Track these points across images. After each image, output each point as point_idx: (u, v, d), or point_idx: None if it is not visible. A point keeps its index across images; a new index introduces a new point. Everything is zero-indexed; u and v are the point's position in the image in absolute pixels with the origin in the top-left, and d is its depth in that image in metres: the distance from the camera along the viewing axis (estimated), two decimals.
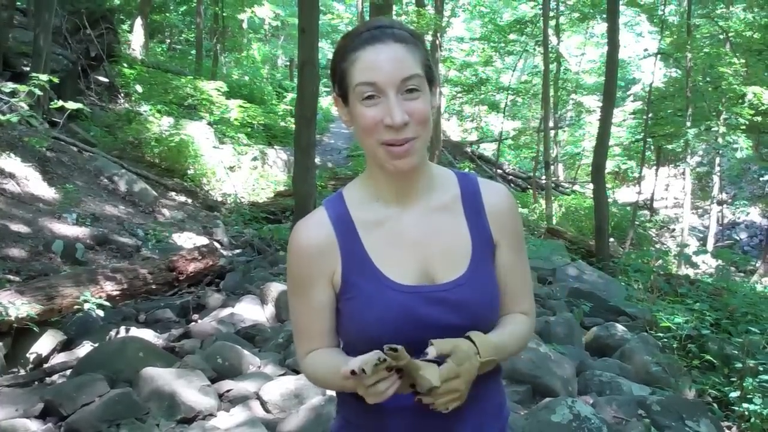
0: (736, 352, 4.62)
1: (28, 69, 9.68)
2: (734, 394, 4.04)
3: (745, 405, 3.86)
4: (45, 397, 3.45)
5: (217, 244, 7.70)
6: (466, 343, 1.17)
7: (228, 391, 3.62)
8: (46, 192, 7.85)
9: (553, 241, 10.21)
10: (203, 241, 7.78)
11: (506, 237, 1.33)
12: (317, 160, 11.31)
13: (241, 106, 13.66)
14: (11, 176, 7.59)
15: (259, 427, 3.16)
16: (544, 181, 16.55)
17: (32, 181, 7.84)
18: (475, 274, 1.27)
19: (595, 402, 3.62)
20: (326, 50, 27.35)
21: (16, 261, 5.95)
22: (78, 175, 8.97)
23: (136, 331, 4.65)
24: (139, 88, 13.08)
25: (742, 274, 13.83)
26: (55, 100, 7.82)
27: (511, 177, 20.62)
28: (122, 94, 13.38)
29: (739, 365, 4.36)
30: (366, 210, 1.30)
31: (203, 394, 3.45)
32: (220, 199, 11.75)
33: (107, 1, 15.09)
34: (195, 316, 5.38)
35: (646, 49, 20.90)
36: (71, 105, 7.71)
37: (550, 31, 17.06)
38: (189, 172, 11.75)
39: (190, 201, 10.64)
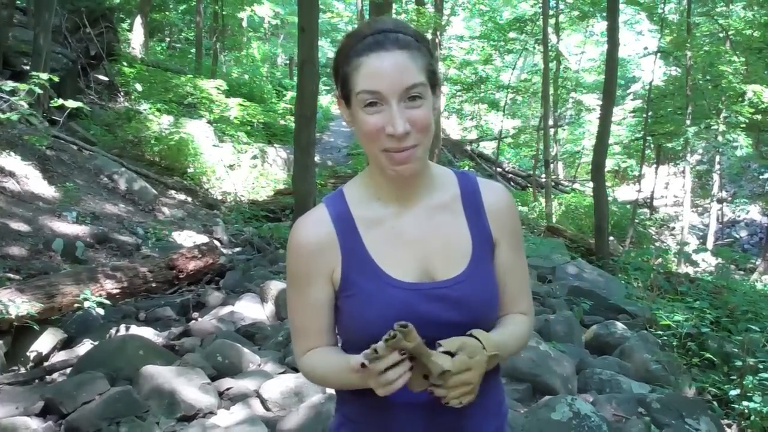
0: (736, 350, 4.63)
1: (28, 68, 9.68)
2: (734, 392, 4.05)
3: (744, 403, 3.86)
4: (45, 396, 3.45)
5: (216, 243, 7.69)
6: (472, 339, 1.18)
7: (228, 389, 3.62)
8: (46, 190, 7.85)
9: (552, 240, 10.22)
10: (203, 239, 7.78)
11: (505, 236, 1.34)
12: (317, 158, 11.33)
13: (240, 105, 13.66)
14: (11, 175, 7.59)
15: (259, 425, 3.17)
16: (543, 180, 16.55)
17: (32, 180, 7.84)
18: (475, 271, 1.28)
19: (595, 400, 3.62)
20: (326, 49, 27.35)
21: (16, 259, 5.95)
22: (78, 173, 8.97)
23: (136, 330, 4.65)
24: (138, 87, 13.07)
25: (742, 272, 13.84)
26: (55, 99, 7.81)
27: (510, 175, 20.62)
28: (122, 93, 13.38)
29: (738, 363, 4.37)
30: (366, 208, 1.30)
31: (203, 392, 3.46)
32: (219, 197, 11.75)
33: None
34: (195, 315, 5.38)
35: (646, 48, 20.91)
36: (71, 103, 7.71)
37: (550, 30, 17.06)
38: (189, 170, 11.75)
39: (189, 199, 10.64)
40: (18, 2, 12.85)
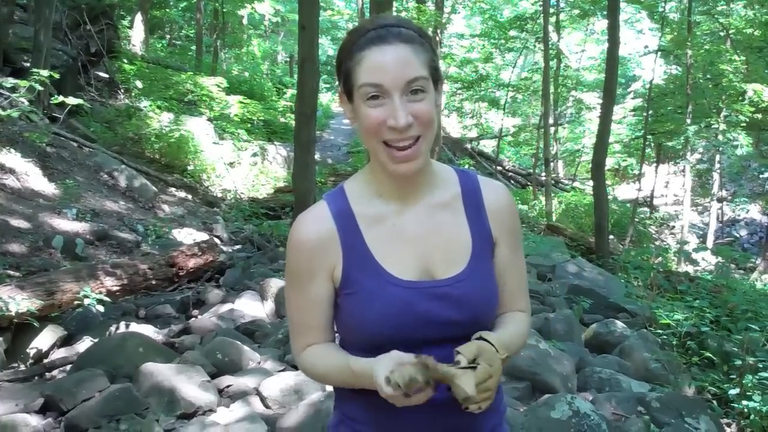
0: (736, 349, 4.63)
1: (28, 65, 9.67)
2: (734, 392, 4.05)
3: (744, 402, 3.86)
4: (45, 392, 3.45)
5: (216, 240, 7.69)
6: (488, 345, 1.18)
7: (228, 386, 3.62)
8: (46, 187, 7.85)
9: (552, 238, 10.23)
10: (203, 236, 7.78)
11: (505, 235, 1.34)
12: (317, 156, 11.29)
13: (241, 102, 13.66)
14: (11, 171, 7.59)
15: (259, 423, 3.17)
16: (543, 178, 16.54)
17: (32, 177, 7.83)
18: (475, 270, 1.28)
19: (594, 399, 3.62)
20: (326, 47, 27.35)
21: (16, 256, 5.95)
22: (78, 170, 8.97)
23: (136, 327, 4.66)
24: (139, 84, 13.07)
25: (741, 272, 13.83)
26: (56, 96, 7.80)
27: (510, 174, 20.60)
28: (122, 90, 13.37)
29: (738, 362, 4.37)
30: (367, 205, 1.30)
31: (203, 389, 3.46)
32: (219, 194, 11.75)
33: None
34: (195, 312, 5.39)
35: (646, 46, 20.87)
36: (71, 101, 7.71)
37: (551, 28, 17.04)
38: (189, 167, 11.74)
39: (189, 197, 10.64)
40: None
